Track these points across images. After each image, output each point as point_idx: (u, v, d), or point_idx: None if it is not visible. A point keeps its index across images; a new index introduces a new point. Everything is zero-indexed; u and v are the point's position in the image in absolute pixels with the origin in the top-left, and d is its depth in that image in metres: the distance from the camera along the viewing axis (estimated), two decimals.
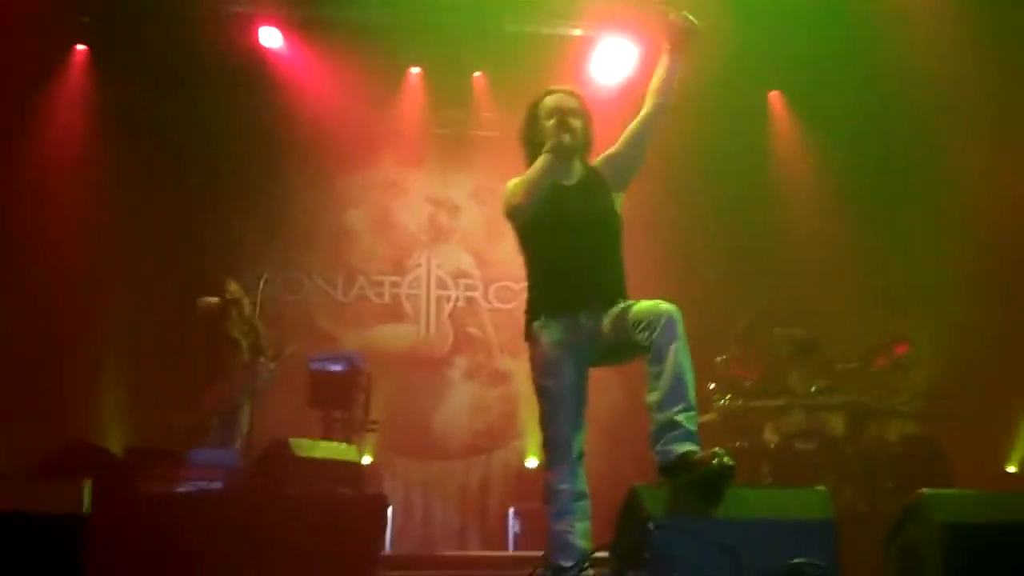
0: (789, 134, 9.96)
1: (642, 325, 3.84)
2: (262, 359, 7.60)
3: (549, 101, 4.28)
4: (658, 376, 3.76)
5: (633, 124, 4.31)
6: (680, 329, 3.79)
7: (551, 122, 4.18)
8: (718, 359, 8.01)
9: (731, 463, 3.60)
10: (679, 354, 3.75)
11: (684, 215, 9.67)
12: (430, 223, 10.58)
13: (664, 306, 3.85)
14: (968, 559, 3.75)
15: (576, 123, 4.22)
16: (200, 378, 7.47)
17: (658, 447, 3.73)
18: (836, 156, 9.59)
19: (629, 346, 3.96)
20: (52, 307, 8.75)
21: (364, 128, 10.11)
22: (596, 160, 4.34)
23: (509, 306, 10.04)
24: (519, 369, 3.86)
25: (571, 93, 4.35)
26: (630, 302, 4.04)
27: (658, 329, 3.78)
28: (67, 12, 8.98)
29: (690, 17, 4.14)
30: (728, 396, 7.95)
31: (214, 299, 7.65)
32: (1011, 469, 8.75)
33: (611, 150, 4.34)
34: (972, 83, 8.36)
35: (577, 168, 4.29)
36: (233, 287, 7.74)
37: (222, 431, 7.41)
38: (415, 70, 10.01)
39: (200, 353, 7.54)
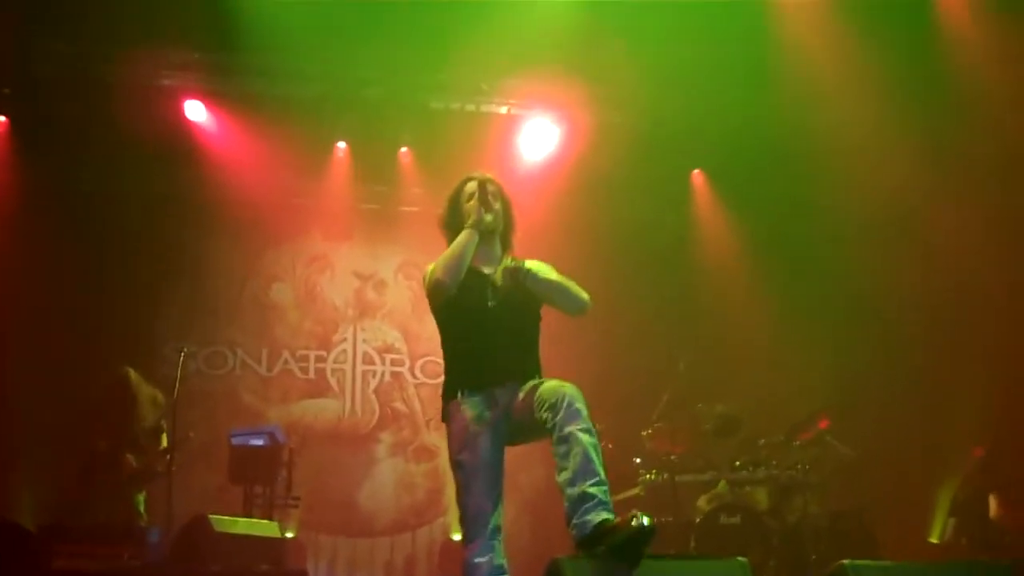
0: (711, 212, 10.13)
1: (545, 406, 3.86)
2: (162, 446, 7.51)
3: (469, 186, 4.37)
4: (565, 455, 3.76)
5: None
6: (582, 409, 3.80)
7: (471, 203, 4.27)
8: (644, 433, 8.05)
9: (650, 523, 3.55)
10: (581, 434, 3.76)
11: (609, 292, 9.71)
12: (356, 298, 10.54)
13: (566, 387, 3.88)
14: None
15: (496, 204, 4.31)
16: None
17: (574, 520, 3.69)
18: (757, 234, 9.76)
19: (537, 425, 3.96)
20: None
21: (291, 202, 10.12)
22: (527, 262, 4.30)
23: (436, 381, 9.96)
24: (445, 444, 3.85)
25: (491, 180, 4.41)
26: (541, 380, 4.10)
27: (560, 411, 3.80)
28: None
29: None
30: (654, 471, 7.97)
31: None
32: (934, 540, 8.82)
33: (538, 273, 4.24)
34: (888, 169, 8.56)
35: (498, 254, 4.37)
36: (133, 376, 7.64)
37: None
38: (342, 145, 10.00)
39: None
